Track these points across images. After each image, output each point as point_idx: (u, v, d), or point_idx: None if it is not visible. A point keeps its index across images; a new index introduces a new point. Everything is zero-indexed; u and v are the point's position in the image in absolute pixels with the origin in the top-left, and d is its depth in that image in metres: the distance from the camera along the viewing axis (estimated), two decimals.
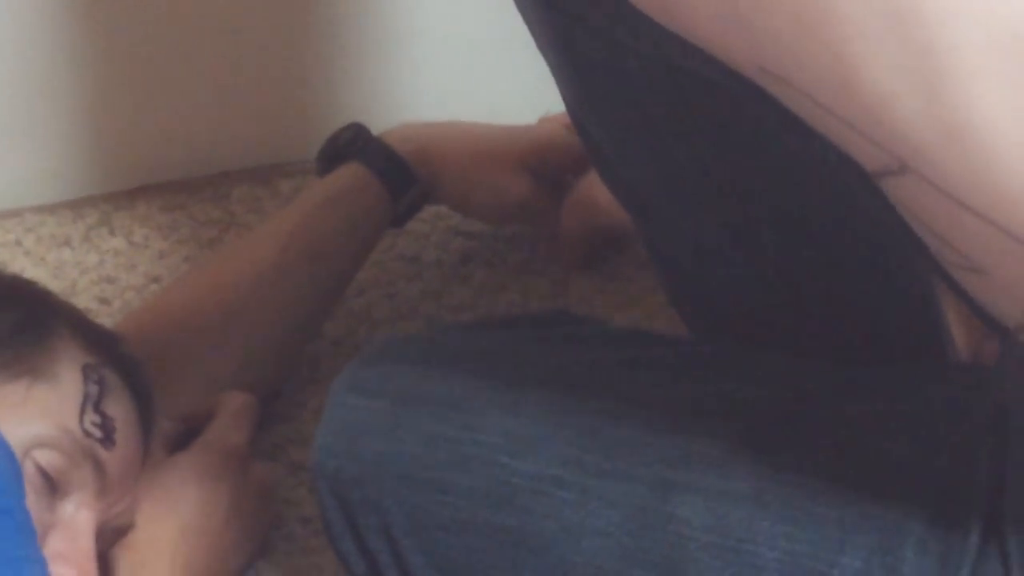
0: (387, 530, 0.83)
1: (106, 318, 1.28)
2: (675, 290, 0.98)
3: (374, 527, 0.83)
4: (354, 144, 1.24)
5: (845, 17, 0.45)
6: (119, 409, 0.96)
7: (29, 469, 0.90)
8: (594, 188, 1.16)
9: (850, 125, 0.48)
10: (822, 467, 0.76)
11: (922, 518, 0.73)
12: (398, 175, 1.23)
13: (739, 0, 0.47)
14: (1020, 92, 0.45)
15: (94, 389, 0.95)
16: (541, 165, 1.25)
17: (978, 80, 0.45)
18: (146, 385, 1.01)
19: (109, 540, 0.97)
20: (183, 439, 1.05)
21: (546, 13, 0.79)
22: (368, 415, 0.84)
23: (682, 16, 0.49)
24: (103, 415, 0.94)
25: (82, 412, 0.93)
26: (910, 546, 0.72)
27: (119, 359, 0.99)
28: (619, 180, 0.91)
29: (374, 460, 0.83)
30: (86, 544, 0.93)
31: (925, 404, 0.80)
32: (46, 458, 0.91)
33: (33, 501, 0.87)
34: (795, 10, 0.46)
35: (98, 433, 0.94)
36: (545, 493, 0.79)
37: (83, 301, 1.32)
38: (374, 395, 0.85)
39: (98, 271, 1.36)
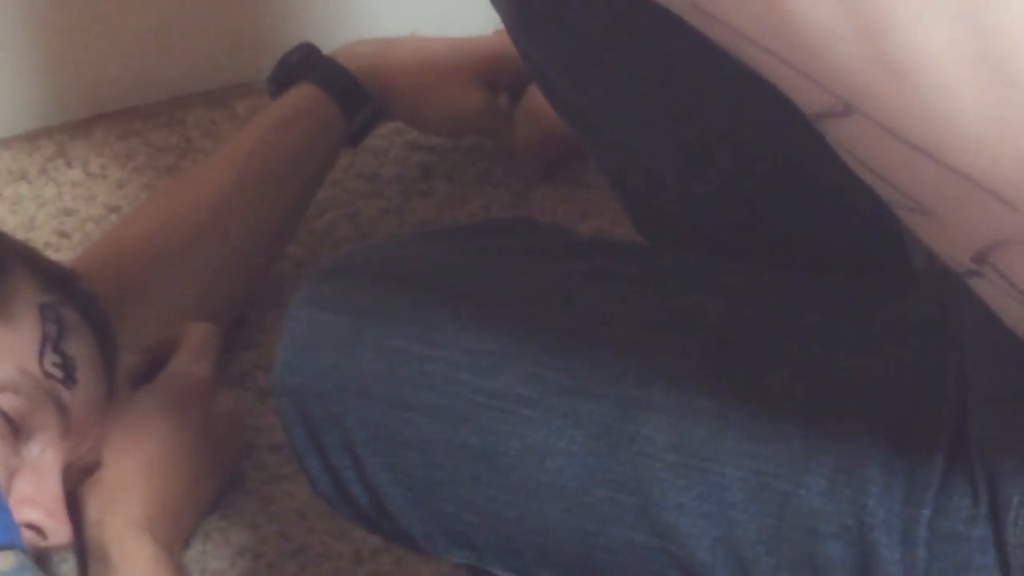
0: (350, 446, 0.82)
1: (66, 251, 1.27)
2: (631, 206, 0.97)
3: (337, 443, 0.82)
4: (305, 64, 1.23)
5: None
6: (79, 347, 0.95)
7: None
8: None
9: (791, 66, 0.47)
10: (787, 384, 0.76)
11: (888, 437, 0.72)
12: (350, 93, 1.22)
13: None
14: (969, 26, 0.44)
15: (52, 329, 0.94)
16: (495, 76, 1.24)
17: (925, 15, 0.44)
18: (106, 321, 1.00)
19: (77, 479, 0.97)
20: (148, 372, 1.05)
21: None
22: (329, 330, 0.83)
23: None
24: (63, 355, 0.94)
25: (41, 353, 0.93)
26: (876, 465, 0.72)
27: (77, 296, 0.99)
28: (565, 104, 0.90)
29: (335, 376, 0.82)
30: (53, 485, 0.93)
31: (891, 320, 0.79)
32: (7, 401, 0.91)
33: None
34: None
35: (59, 373, 0.93)
36: (508, 411, 0.78)
37: (42, 235, 1.31)
38: (334, 310, 0.84)
39: (56, 204, 1.35)
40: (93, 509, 0.96)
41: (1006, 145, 0.45)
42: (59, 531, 0.94)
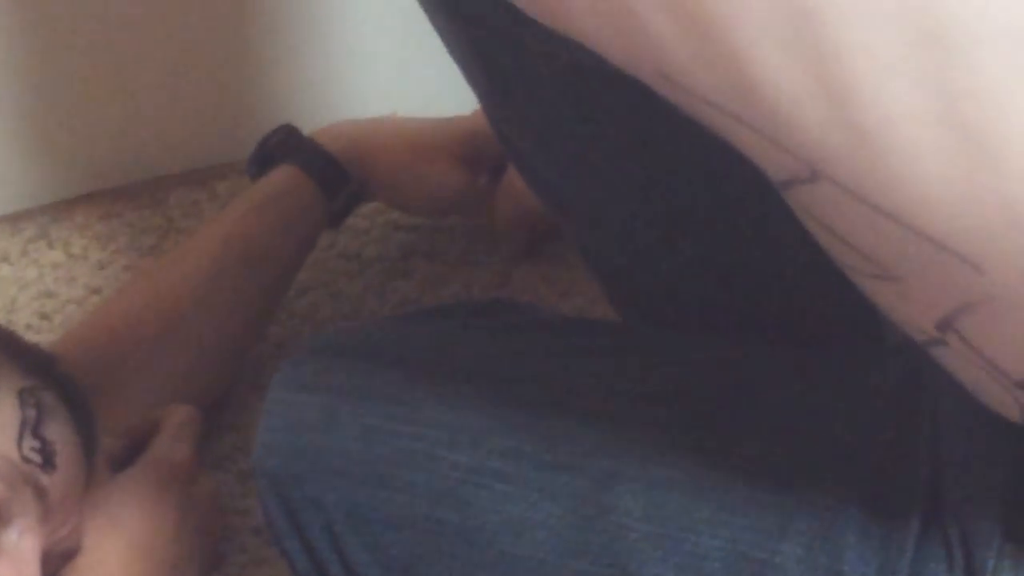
0: (329, 526, 0.82)
1: (48, 334, 1.27)
2: (606, 284, 0.97)
3: (316, 524, 0.82)
4: (285, 145, 1.24)
5: (747, 21, 0.44)
6: (59, 432, 0.95)
7: None
8: None
9: (758, 132, 0.47)
10: (761, 453, 0.76)
11: (862, 503, 0.72)
12: (331, 174, 1.22)
13: (637, 7, 0.46)
14: (935, 90, 0.44)
15: (32, 413, 0.94)
16: (476, 155, 1.24)
17: (891, 80, 0.44)
18: (86, 405, 0.99)
19: (56, 565, 0.96)
20: (128, 456, 1.04)
21: (453, 21, 0.78)
22: (306, 410, 0.83)
23: (573, 21, 0.48)
24: (42, 439, 0.93)
25: (20, 437, 0.92)
26: (851, 531, 0.72)
27: (57, 380, 0.98)
28: (539, 180, 0.90)
29: (313, 456, 0.82)
30: (32, 571, 0.92)
31: (862, 389, 0.79)
32: None
33: None
34: (694, 14, 0.45)
35: (38, 458, 0.92)
36: (485, 486, 0.78)
37: (23, 317, 1.31)
38: (312, 390, 0.84)
39: (37, 286, 1.35)
40: None
41: (971, 207, 0.45)
42: None
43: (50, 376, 0.98)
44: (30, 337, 1.16)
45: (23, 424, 0.93)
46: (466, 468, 0.79)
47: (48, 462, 0.93)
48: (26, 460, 0.92)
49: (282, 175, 1.21)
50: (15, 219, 1.43)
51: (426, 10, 0.80)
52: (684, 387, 0.82)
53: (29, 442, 0.92)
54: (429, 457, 0.80)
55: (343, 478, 0.82)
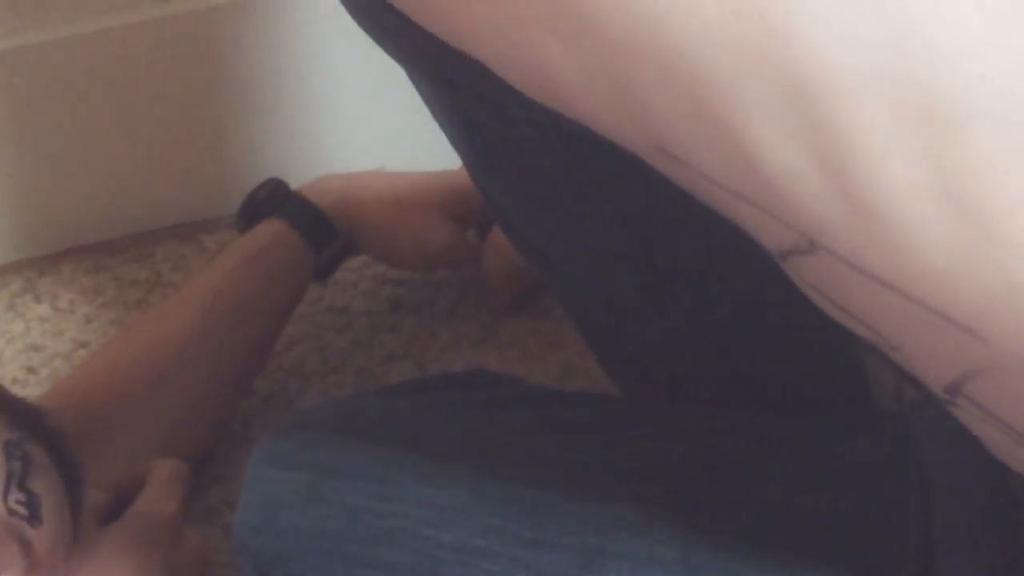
0: None
1: (34, 387, 1.27)
2: (593, 344, 0.97)
3: None
4: (272, 199, 1.24)
5: (744, 97, 0.44)
6: (45, 485, 0.94)
7: None
8: None
9: (755, 205, 0.47)
10: (748, 528, 0.75)
11: None
12: (318, 228, 1.22)
13: (632, 81, 0.46)
14: (931, 165, 0.44)
15: (17, 466, 0.93)
16: (463, 210, 1.25)
17: (887, 156, 0.44)
18: (73, 458, 0.99)
19: None
20: (114, 510, 1.03)
21: (436, 87, 0.79)
22: (287, 488, 0.83)
23: (567, 99, 0.48)
24: (28, 492, 0.93)
25: (5, 491, 0.92)
26: None
27: (44, 433, 0.98)
28: (523, 240, 0.90)
29: (295, 535, 0.82)
30: None
31: (851, 460, 0.79)
32: None
33: None
34: (691, 90, 0.45)
35: (24, 511, 0.92)
36: (471, 565, 0.78)
37: (10, 371, 1.31)
38: (292, 467, 0.84)
39: (24, 340, 1.35)
40: None
41: (971, 279, 0.45)
42: None
43: (37, 429, 0.97)
44: (17, 390, 1.16)
45: (9, 477, 0.92)
46: (451, 547, 0.79)
47: (34, 515, 0.92)
48: (12, 513, 0.91)
49: (269, 229, 1.21)
50: (1, 272, 1.43)
51: (409, 75, 0.80)
52: (669, 461, 0.81)
53: (15, 495, 0.92)
54: (413, 536, 0.79)
55: (326, 558, 0.81)
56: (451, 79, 0.76)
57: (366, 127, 1.43)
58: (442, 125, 0.83)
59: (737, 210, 0.48)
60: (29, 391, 1.25)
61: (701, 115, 0.45)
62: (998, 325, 0.45)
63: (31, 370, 1.31)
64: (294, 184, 1.25)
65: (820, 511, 0.76)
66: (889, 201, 0.45)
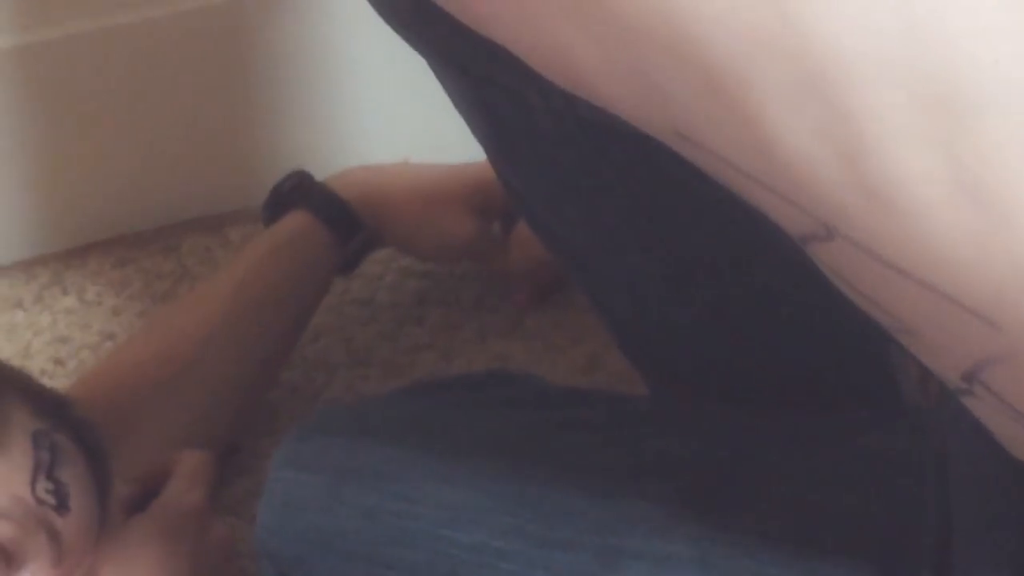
0: None
1: (61, 379, 1.28)
2: (617, 335, 0.97)
3: None
4: (298, 191, 1.24)
5: (759, 83, 0.44)
6: (72, 474, 0.95)
7: None
8: None
9: (773, 191, 0.47)
10: (765, 524, 0.75)
11: (871, 572, 0.72)
12: (344, 221, 1.22)
13: (649, 66, 0.46)
14: (946, 152, 0.44)
15: (45, 456, 0.94)
16: (487, 202, 1.25)
17: (902, 143, 0.44)
18: (100, 448, 0.99)
19: None
20: (141, 501, 1.04)
21: (459, 80, 0.79)
22: (306, 490, 0.83)
23: (585, 81, 0.48)
24: (56, 481, 0.93)
25: (34, 480, 0.92)
26: None
27: (71, 423, 0.98)
28: (547, 232, 0.90)
29: (315, 537, 0.82)
30: None
31: (868, 454, 0.79)
32: None
33: None
34: (709, 76, 0.45)
35: (52, 500, 0.92)
36: (489, 566, 0.78)
37: (38, 363, 1.31)
38: (312, 469, 0.84)
39: (52, 332, 1.35)
40: None
41: (986, 267, 0.45)
42: None
43: (64, 419, 0.98)
44: (44, 382, 1.16)
45: (37, 466, 0.93)
46: (468, 548, 0.79)
47: (62, 504, 0.93)
48: (40, 502, 0.92)
49: (295, 221, 1.22)
50: (29, 265, 1.44)
51: (433, 67, 0.80)
52: (686, 459, 0.81)
53: (43, 484, 0.92)
54: (431, 537, 0.80)
55: (346, 559, 0.82)
56: (473, 70, 0.76)
57: (391, 119, 1.43)
58: (465, 117, 0.84)
59: (756, 195, 0.48)
60: (57, 382, 1.25)
61: (717, 100, 0.45)
62: (1013, 314, 0.46)
63: (58, 362, 1.32)
64: (319, 176, 1.26)
65: (837, 507, 0.76)
66: (903, 189, 0.45)
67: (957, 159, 0.44)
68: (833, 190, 0.46)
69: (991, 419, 0.52)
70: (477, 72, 0.76)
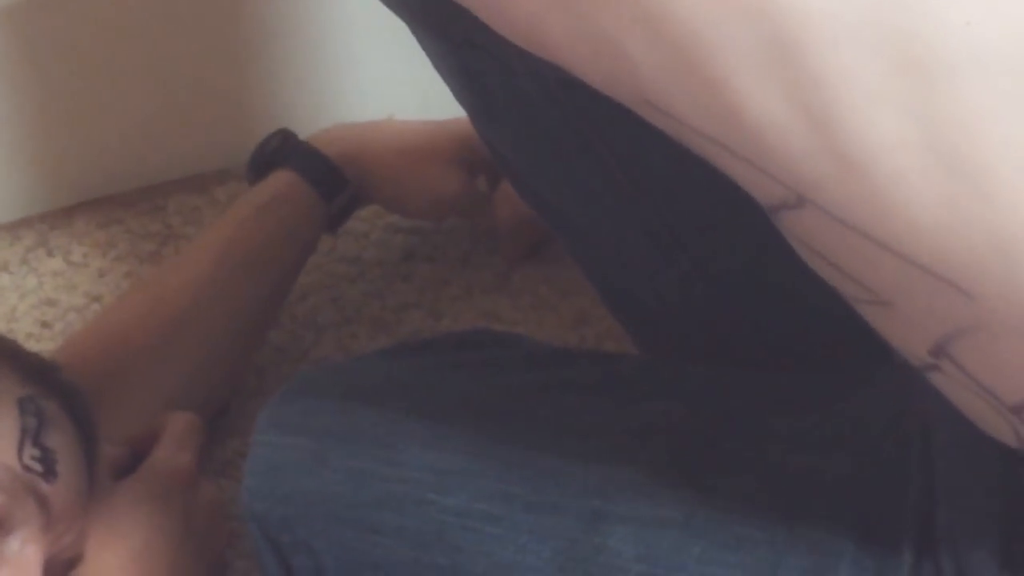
0: (320, 572, 0.82)
1: (48, 342, 1.27)
2: (602, 293, 0.97)
3: (306, 567, 0.82)
4: (282, 150, 1.23)
5: (728, 49, 0.44)
6: (60, 440, 0.95)
7: None
8: None
9: (743, 159, 0.47)
10: (750, 487, 0.75)
11: (854, 536, 0.71)
12: (328, 179, 1.22)
13: (617, 34, 0.46)
14: (918, 117, 0.43)
15: (32, 422, 0.93)
16: (472, 157, 1.24)
17: (874, 108, 0.43)
18: (87, 413, 0.99)
19: (59, 573, 0.96)
20: (129, 464, 1.04)
21: (440, 43, 0.78)
22: (292, 453, 0.83)
23: (551, 47, 0.48)
24: (43, 448, 0.93)
25: (20, 446, 0.92)
26: (844, 566, 0.71)
27: (58, 389, 0.98)
28: (532, 193, 0.90)
29: (301, 500, 0.82)
30: None
31: (852, 417, 0.78)
32: None
33: None
34: (674, 42, 0.45)
35: (39, 467, 0.92)
36: (474, 529, 0.78)
37: (24, 326, 1.31)
38: (297, 432, 0.84)
39: (38, 294, 1.35)
40: None
41: (958, 234, 0.44)
42: None
43: (51, 384, 0.98)
44: (31, 345, 1.16)
45: (23, 432, 0.92)
46: (454, 511, 0.79)
47: (50, 471, 0.93)
48: (27, 469, 0.92)
49: (279, 180, 1.21)
50: (14, 227, 1.43)
51: (413, 31, 0.79)
52: (672, 422, 0.81)
53: (30, 451, 0.92)
54: (417, 501, 0.80)
55: (332, 521, 0.82)
56: (452, 33, 0.75)
57: (376, 77, 1.42)
58: (446, 80, 0.83)
59: (726, 163, 0.48)
60: (43, 346, 1.25)
61: (686, 68, 0.45)
62: (984, 282, 0.45)
63: (45, 324, 1.31)
64: (303, 134, 1.25)
65: (821, 471, 0.75)
66: (875, 154, 0.44)
67: (930, 124, 0.43)
68: (804, 157, 0.45)
69: (957, 395, 0.51)
70: (456, 36, 0.75)
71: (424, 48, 0.81)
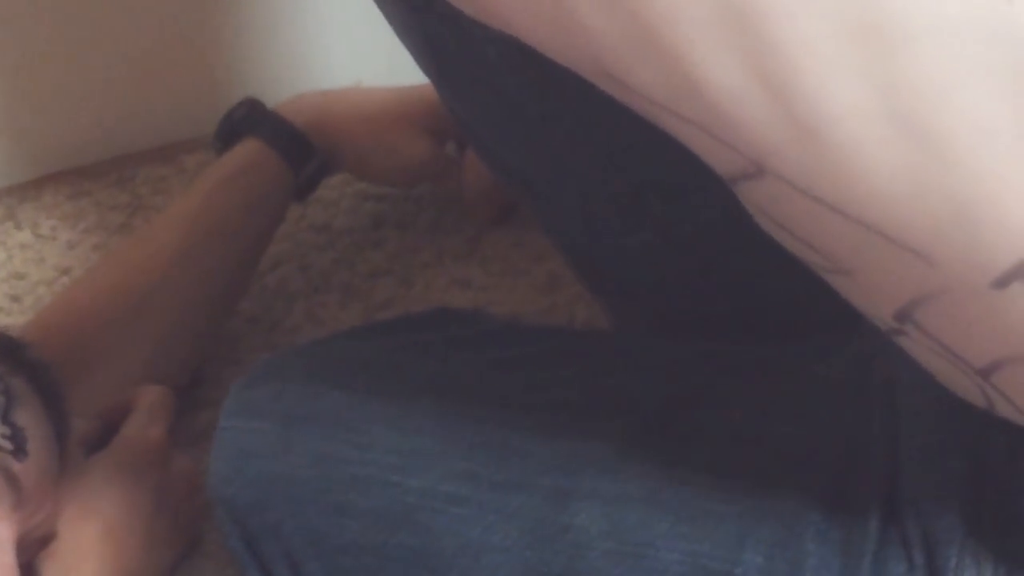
0: (289, 555, 0.82)
1: (18, 315, 1.27)
2: (569, 259, 0.97)
3: (276, 553, 0.82)
4: (249, 119, 1.23)
5: (685, 18, 0.43)
6: (29, 418, 0.94)
7: None
8: None
9: (703, 129, 0.47)
10: (715, 460, 0.75)
11: (821, 506, 0.71)
12: (296, 147, 1.21)
13: (573, 4, 0.45)
14: (877, 83, 0.43)
15: (0, 400, 0.93)
16: (440, 123, 1.24)
17: (832, 75, 0.43)
18: (56, 389, 0.99)
19: (33, 551, 0.95)
20: (100, 438, 1.03)
21: (399, 7, 0.78)
22: (258, 437, 0.83)
23: (506, 18, 0.47)
24: (12, 426, 0.92)
25: None
26: (810, 536, 0.71)
27: (26, 366, 0.98)
28: (496, 159, 0.89)
29: (268, 484, 0.82)
30: (6, 559, 0.91)
31: (816, 383, 0.78)
32: None
33: None
34: (631, 11, 0.44)
35: (8, 445, 0.92)
36: (441, 511, 0.78)
37: None
38: (262, 416, 0.84)
39: (7, 268, 1.34)
40: None
41: (919, 200, 0.44)
42: None
43: (19, 362, 0.97)
44: (1, 320, 1.16)
45: None
46: (420, 492, 0.79)
47: (20, 449, 0.92)
48: None
49: (246, 149, 1.21)
50: None
51: None
52: (635, 396, 0.81)
53: None
54: (382, 483, 0.79)
55: (299, 505, 0.81)
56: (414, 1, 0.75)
57: (342, 43, 1.42)
58: (407, 45, 0.83)
59: (686, 134, 0.48)
60: (13, 320, 1.24)
61: (643, 38, 0.45)
62: (946, 248, 0.45)
63: (15, 298, 1.31)
64: (271, 103, 1.24)
65: (785, 438, 0.75)
66: (835, 123, 0.44)
67: (889, 91, 0.43)
68: (763, 126, 0.45)
69: (925, 358, 0.51)
70: (415, 0, 0.75)
71: (384, 13, 0.81)
